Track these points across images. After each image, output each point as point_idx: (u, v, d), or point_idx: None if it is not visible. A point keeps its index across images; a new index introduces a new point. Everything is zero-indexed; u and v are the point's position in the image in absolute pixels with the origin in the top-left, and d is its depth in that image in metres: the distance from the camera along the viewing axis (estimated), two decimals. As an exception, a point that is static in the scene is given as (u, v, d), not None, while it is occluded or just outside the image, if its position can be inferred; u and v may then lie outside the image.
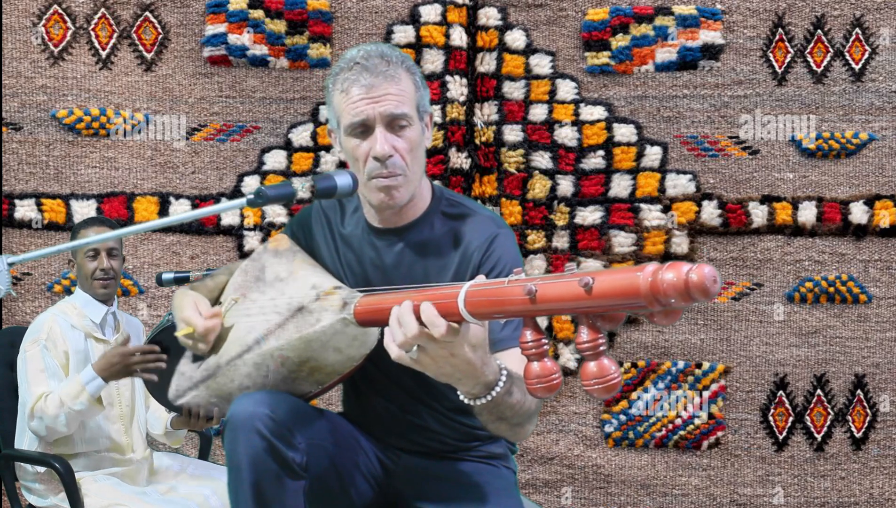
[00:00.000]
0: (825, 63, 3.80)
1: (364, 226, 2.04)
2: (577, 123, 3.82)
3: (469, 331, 1.52)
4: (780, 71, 3.81)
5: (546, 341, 1.42)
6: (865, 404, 3.81)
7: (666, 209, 3.81)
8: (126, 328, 3.10)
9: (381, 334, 1.80)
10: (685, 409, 3.81)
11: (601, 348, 1.32)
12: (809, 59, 3.80)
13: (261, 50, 3.81)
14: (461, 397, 1.64)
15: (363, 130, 1.91)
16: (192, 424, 2.82)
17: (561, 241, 3.82)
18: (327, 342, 1.82)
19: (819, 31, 3.80)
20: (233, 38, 3.80)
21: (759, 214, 3.79)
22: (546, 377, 1.40)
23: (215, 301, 2.08)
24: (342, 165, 3.77)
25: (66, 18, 3.80)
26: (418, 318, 1.50)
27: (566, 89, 3.83)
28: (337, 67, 1.96)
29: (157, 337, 2.69)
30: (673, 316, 1.25)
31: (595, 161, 3.82)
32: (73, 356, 2.92)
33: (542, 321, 3.68)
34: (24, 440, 2.93)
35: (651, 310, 1.24)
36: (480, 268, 1.94)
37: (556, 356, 3.83)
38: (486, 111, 3.82)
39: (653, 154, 3.82)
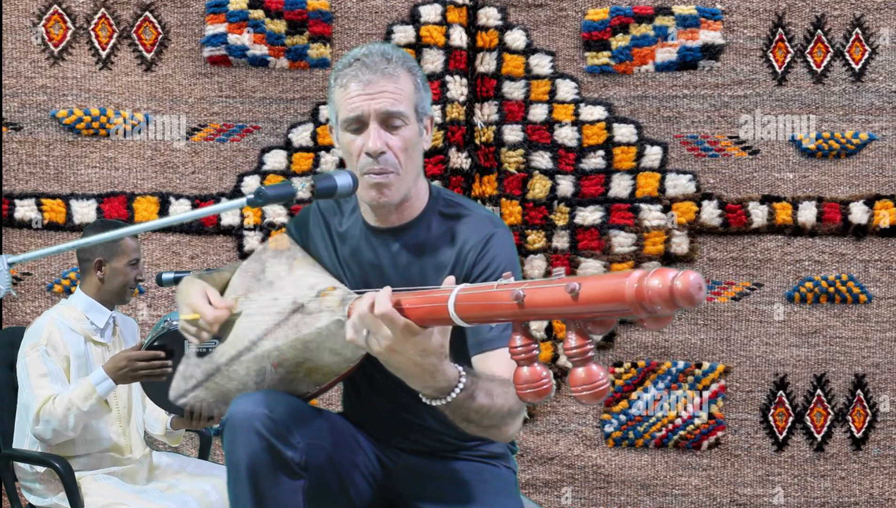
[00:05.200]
0: (825, 63, 3.80)
1: (362, 226, 2.04)
2: (577, 123, 3.82)
3: (428, 339, 1.55)
4: (780, 71, 3.81)
5: (536, 346, 1.42)
6: (865, 404, 3.80)
7: (666, 209, 3.81)
8: (122, 328, 3.11)
9: None
10: (685, 409, 3.81)
11: (589, 354, 1.32)
12: (809, 59, 3.80)
13: (261, 50, 3.81)
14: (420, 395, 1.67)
15: (358, 125, 1.92)
16: (193, 424, 2.83)
17: (561, 241, 3.82)
18: (323, 343, 1.82)
19: (819, 31, 3.80)
20: (233, 38, 3.80)
21: (759, 214, 3.79)
22: (535, 382, 1.41)
23: None
24: (342, 164, 3.77)
25: (66, 18, 3.80)
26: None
27: (566, 89, 3.83)
28: (339, 63, 1.97)
29: (157, 341, 2.69)
30: (662, 321, 1.26)
31: (595, 161, 3.82)
32: (74, 360, 2.91)
33: (542, 321, 3.68)
34: (25, 441, 2.93)
35: (638, 316, 1.24)
36: (475, 267, 1.94)
37: (556, 357, 3.83)
38: (486, 111, 3.82)
39: (653, 154, 3.82)
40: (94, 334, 2.99)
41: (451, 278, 1.56)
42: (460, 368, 1.67)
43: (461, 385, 1.64)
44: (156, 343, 2.67)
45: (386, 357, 1.59)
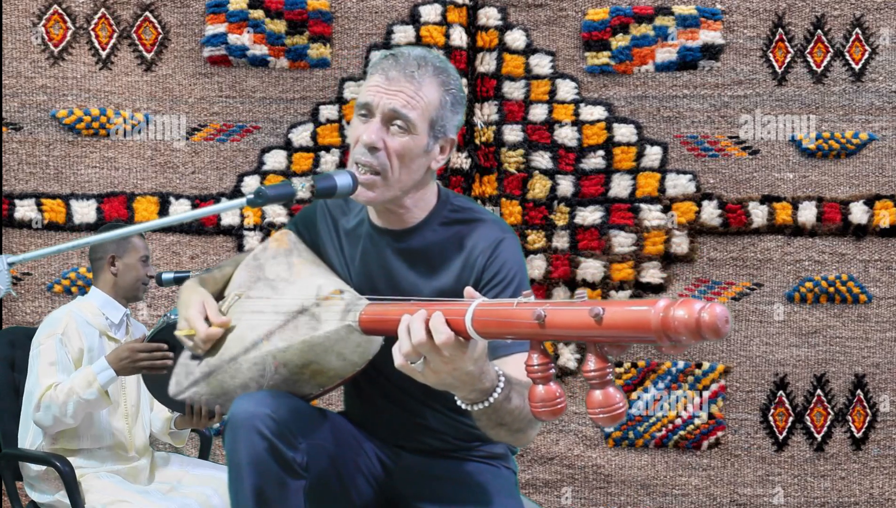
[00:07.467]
0: (825, 63, 3.80)
1: (368, 225, 2.04)
2: (577, 123, 3.82)
3: (476, 348, 1.53)
4: (780, 71, 3.81)
5: (552, 365, 1.43)
6: (865, 404, 3.81)
7: (666, 209, 3.81)
8: (133, 329, 3.16)
9: (386, 338, 1.80)
10: (685, 409, 3.81)
11: (608, 377, 1.33)
12: (809, 59, 3.80)
13: (261, 50, 3.81)
14: (458, 402, 1.64)
15: (365, 112, 1.91)
16: (196, 422, 2.86)
17: (561, 241, 3.82)
18: (330, 347, 1.81)
19: (819, 31, 3.80)
20: (233, 38, 3.80)
21: (759, 214, 3.79)
22: (551, 401, 1.42)
23: (220, 294, 2.07)
24: (342, 164, 3.77)
25: (66, 18, 3.80)
26: (427, 328, 1.51)
27: (566, 89, 3.83)
28: (379, 55, 1.95)
29: (157, 336, 2.72)
30: (682, 348, 1.26)
31: (595, 161, 3.82)
32: (87, 353, 2.96)
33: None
34: (27, 439, 2.93)
35: (660, 344, 1.24)
36: (484, 272, 1.93)
37: (556, 357, 3.83)
38: (486, 111, 3.82)
39: (653, 154, 3.82)
40: (108, 329, 3.04)
41: (471, 289, 1.55)
42: (497, 367, 1.67)
43: (501, 384, 1.64)
44: (161, 336, 2.71)
45: (440, 378, 1.57)
